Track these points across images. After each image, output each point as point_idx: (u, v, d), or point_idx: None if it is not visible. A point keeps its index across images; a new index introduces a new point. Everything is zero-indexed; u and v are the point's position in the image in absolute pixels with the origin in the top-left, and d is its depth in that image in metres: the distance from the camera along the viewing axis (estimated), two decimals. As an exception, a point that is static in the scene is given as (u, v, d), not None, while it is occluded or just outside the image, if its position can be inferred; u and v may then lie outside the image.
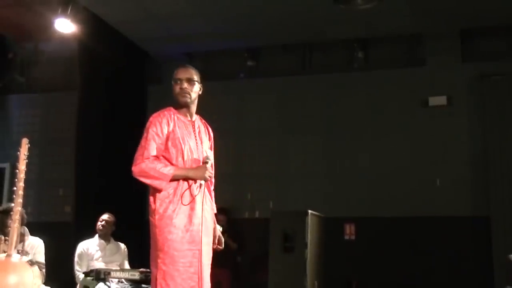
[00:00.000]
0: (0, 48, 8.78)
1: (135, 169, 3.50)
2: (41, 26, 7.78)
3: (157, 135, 3.54)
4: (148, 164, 3.47)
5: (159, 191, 3.48)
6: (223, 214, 7.72)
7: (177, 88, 3.65)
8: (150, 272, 3.56)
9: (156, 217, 3.46)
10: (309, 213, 7.11)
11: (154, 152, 3.50)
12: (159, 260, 3.41)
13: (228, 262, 7.37)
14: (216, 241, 3.75)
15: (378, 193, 8.04)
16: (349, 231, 8.15)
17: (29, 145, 3.75)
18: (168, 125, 3.57)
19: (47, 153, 8.95)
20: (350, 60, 8.58)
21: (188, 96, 3.64)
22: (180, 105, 3.67)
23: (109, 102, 8.14)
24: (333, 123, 8.55)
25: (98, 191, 7.57)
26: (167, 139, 3.55)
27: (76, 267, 6.26)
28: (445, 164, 7.96)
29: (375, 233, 7.94)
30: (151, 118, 3.62)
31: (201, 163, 3.60)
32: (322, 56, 8.73)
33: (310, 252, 6.98)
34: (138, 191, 6.53)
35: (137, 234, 6.84)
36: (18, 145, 3.73)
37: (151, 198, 3.52)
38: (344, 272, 7.80)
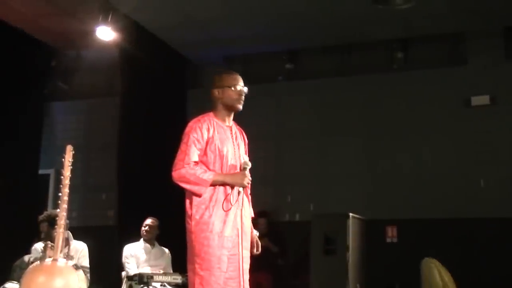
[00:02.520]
0: (43, 56, 8.93)
1: (175, 174, 3.50)
2: (83, 34, 7.94)
3: (197, 140, 3.52)
4: (188, 170, 3.46)
5: (196, 196, 3.48)
6: (264, 217, 7.71)
7: (234, 94, 3.62)
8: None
9: (192, 223, 3.47)
10: (350, 216, 7.06)
11: (194, 158, 3.49)
12: (196, 266, 3.41)
13: (269, 265, 7.36)
14: (255, 246, 3.71)
15: (420, 195, 7.91)
16: (391, 233, 8.06)
17: (73, 152, 3.79)
18: (208, 130, 3.55)
19: (91, 158, 9.07)
20: (389, 61, 8.49)
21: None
22: (225, 111, 3.66)
23: (150, 107, 8.23)
24: (373, 124, 8.47)
25: (141, 195, 7.66)
26: (207, 144, 3.53)
27: (128, 266, 6.29)
28: (488, 164, 7.80)
29: (417, 236, 7.81)
30: (191, 123, 3.60)
31: (239, 169, 3.58)
32: (361, 57, 8.66)
33: (351, 255, 6.93)
34: (180, 195, 6.59)
35: (179, 239, 6.90)
36: (62, 151, 3.77)
37: (187, 204, 3.53)
38: (386, 275, 7.70)
